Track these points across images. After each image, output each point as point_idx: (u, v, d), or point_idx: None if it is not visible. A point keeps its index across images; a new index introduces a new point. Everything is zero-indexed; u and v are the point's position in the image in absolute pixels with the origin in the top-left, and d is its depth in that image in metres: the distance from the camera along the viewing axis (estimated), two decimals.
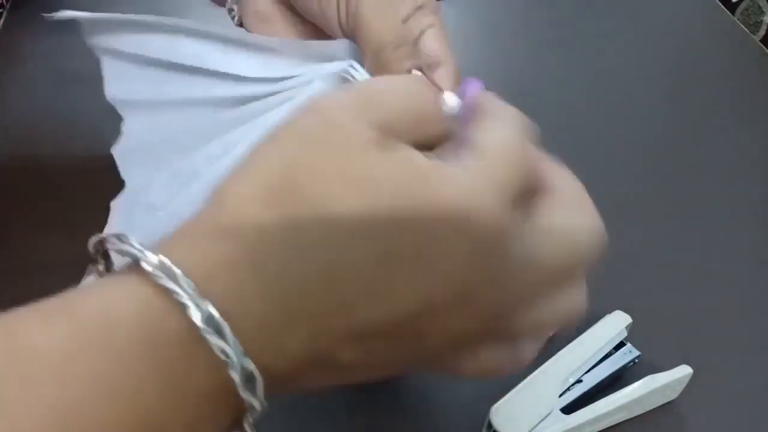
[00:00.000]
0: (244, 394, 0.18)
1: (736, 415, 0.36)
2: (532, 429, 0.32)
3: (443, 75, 0.34)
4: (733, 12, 0.67)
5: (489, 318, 0.22)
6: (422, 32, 0.34)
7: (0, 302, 0.33)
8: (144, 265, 0.18)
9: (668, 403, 0.36)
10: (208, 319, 0.18)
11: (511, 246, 0.21)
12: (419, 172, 0.20)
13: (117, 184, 0.47)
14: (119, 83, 0.40)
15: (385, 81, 0.26)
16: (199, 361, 0.18)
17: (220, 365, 0.18)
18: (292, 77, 0.34)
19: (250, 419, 0.19)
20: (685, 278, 0.43)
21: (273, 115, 0.34)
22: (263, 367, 0.18)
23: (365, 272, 0.19)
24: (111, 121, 0.52)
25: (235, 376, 0.18)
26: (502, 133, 0.23)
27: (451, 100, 0.27)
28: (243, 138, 0.35)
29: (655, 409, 0.36)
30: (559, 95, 0.56)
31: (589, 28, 0.64)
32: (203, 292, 0.18)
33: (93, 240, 0.22)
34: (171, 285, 0.18)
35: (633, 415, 0.35)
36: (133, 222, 0.41)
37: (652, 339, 0.38)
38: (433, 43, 0.34)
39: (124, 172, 0.42)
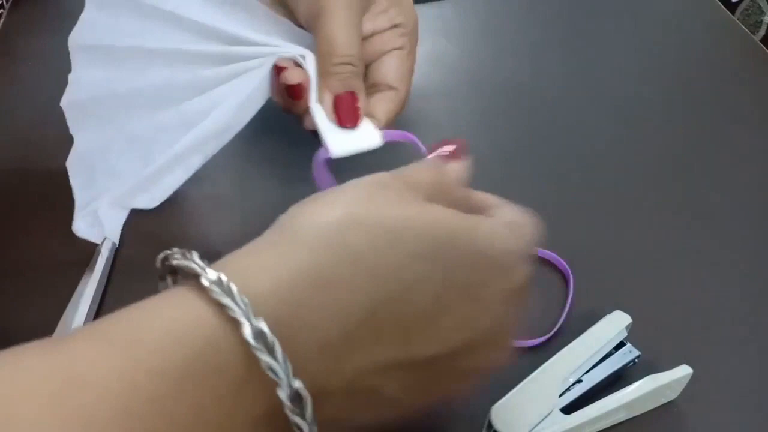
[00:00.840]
0: (292, 416, 0.18)
1: (737, 415, 0.36)
2: (532, 429, 0.32)
3: (386, 99, 0.35)
4: (733, 12, 0.67)
5: (509, 337, 0.25)
6: (387, 52, 0.35)
7: (5, 299, 0.33)
8: (203, 280, 0.19)
9: (668, 402, 0.36)
10: (260, 336, 0.18)
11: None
12: (468, 222, 0.23)
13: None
14: (90, 29, 0.40)
15: (419, 168, 0.27)
16: (252, 382, 0.18)
17: (272, 385, 0.18)
18: (257, 45, 0.34)
19: None
20: (685, 278, 0.43)
21: (226, 89, 0.35)
22: (316, 390, 0.19)
23: (423, 309, 0.21)
24: None
25: (283, 396, 0.18)
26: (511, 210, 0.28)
27: (373, 134, 0.32)
28: (197, 107, 0.36)
29: (655, 409, 0.36)
30: (559, 95, 0.56)
31: (589, 28, 0.64)
32: (257, 310, 0.18)
33: (160, 256, 0.21)
34: (226, 300, 0.18)
35: (633, 415, 0.35)
36: (97, 186, 0.42)
37: (652, 339, 0.38)
38: (392, 65, 0.35)
39: (74, 127, 0.42)
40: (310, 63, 0.34)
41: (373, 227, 0.21)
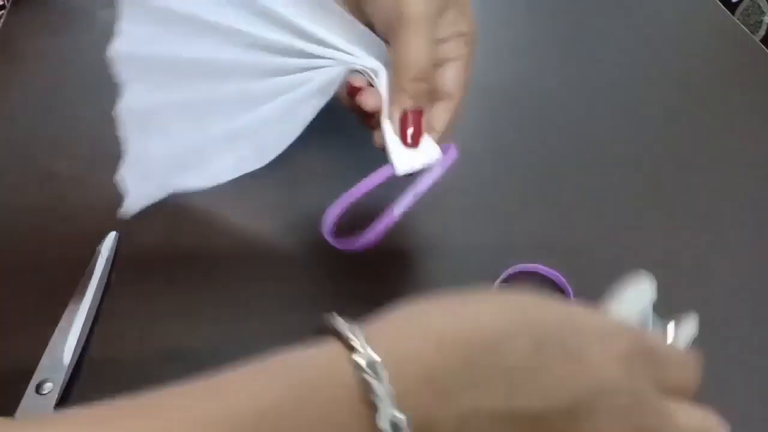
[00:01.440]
0: None
1: (737, 415, 0.36)
2: None
3: (444, 108, 0.35)
4: (733, 12, 0.68)
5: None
6: (449, 60, 0.35)
7: (5, 299, 0.33)
8: (358, 359, 0.20)
9: None
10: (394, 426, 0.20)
11: None
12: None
13: (117, 183, 0.47)
14: (134, 37, 0.39)
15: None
16: None
17: None
18: (333, 48, 0.34)
19: None
20: (683, 278, 0.43)
21: (295, 96, 0.35)
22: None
23: (522, 362, 0.22)
24: (111, 120, 0.52)
25: None
26: None
27: (432, 149, 0.33)
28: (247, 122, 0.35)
29: None
30: (559, 95, 0.56)
31: (589, 28, 0.64)
32: (400, 405, 0.20)
33: (330, 323, 0.23)
34: (375, 383, 0.20)
35: None
36: (150, 142, 0.40)
37: None
38: (451, 75, 0.35)
39: (125, 77, 0.40)
40: (382, 80, 0.34)
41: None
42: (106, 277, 0.40)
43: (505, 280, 0.41)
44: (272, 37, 0.35)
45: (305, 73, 0.35)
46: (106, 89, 0.54)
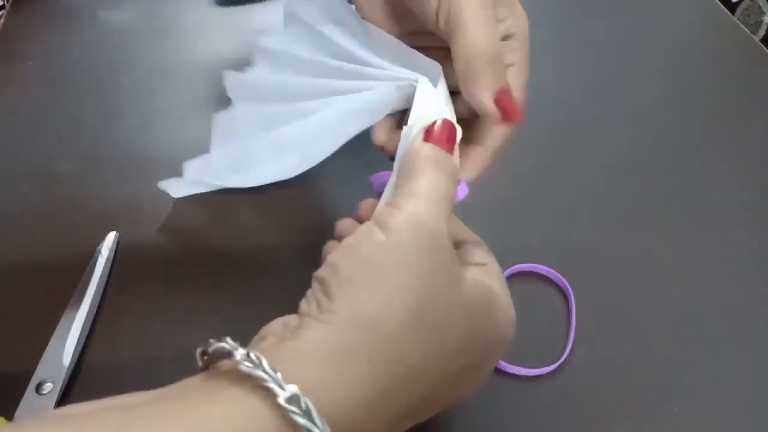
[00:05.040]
0: None
1: (737, 416, 0.36)
2: None
3: (499, 128, 0.32)
4: (733, 12, 0.68)
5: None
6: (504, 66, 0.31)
7: (5, 299, 0.33)
8: (280, 400, 0.20)
9: (668, 405, 0.36)
10: None
11: None
12: (489, 299, 0.26)
13: (117, 183, 0.47)
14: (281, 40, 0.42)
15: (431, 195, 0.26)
16: None
17: None
18: (378, 69, 0.34)
19: None
20: (684, 278, 0.43)
21: (350, 98, 0.35)
22: None
23: (451, 381, 0.25)
24: (111, 120, 0.52)
25: None
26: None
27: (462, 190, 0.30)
28: (317, 108, 0.36)
29: (655, 413, 0.36)
30: (559, 95, 0.56)
31: (588, 28, 0.64)
32: (334, 428, 0.20)
33: (216, 346, 0.22)
34: (305, 422, 0.19)
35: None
36: (194, 185, 0.45)
37: (657, 340, 0.38)
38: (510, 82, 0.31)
39: (215, 137, 0.45)
40: (421, 88, 0.31)
41: (426, 332, 0.23)
42: (106, 277, 0.40)
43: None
44: (334, 65, 0.36)
45: (354, 94, 0.35)
46: (107, 89, 0.55)
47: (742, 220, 0.46)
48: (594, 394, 0.37)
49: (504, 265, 0.42)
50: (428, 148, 0.27)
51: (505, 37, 0.31)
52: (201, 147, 0.44)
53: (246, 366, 0.20)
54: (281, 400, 0.19)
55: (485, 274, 0.27)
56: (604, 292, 0.41)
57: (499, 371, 0.37)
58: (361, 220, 0.29)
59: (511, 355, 0.37)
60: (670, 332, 0.40)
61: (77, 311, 0.38)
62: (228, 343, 0.21)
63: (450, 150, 0.28)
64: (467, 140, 0.31)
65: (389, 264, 0.23)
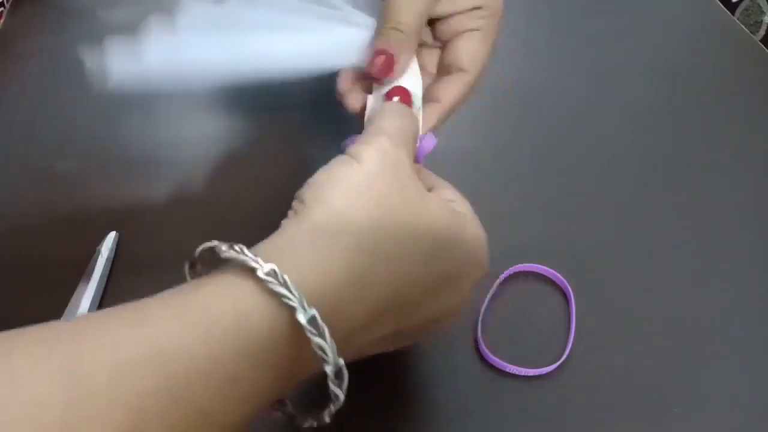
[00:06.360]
0: (334, 387, 0.22)
1: (737, 415, 0.36)
2: None
3: (453, 81, 0.35)
4: (733, 12, 0.67)
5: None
6: (463, 32, 0.35)
7: (5, 299, 0.33)
8: (259, 273, 0.21)
9: (667, 405, 0.36)
10: (312, 321, 0.21)
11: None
12: (459, 220, 0.28)
13: (117, 183, 0.47)
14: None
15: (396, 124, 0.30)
16: (302, 357, 0.22)
17: (319, 363, 0.22)
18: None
19: (332, 409, 0.23)
20: (684, 277, 0.43)
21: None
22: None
23: (420, 297, 0.26)
24: (111, 120, 0.52)
25: (329, 371, 0.22)
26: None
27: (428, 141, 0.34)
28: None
29: (651, 411, 0.36)
30: (559, 95, 0.56)
31: (588, 28, 0.64)
32: (309, 299, 0.21)
33: (203, 246, 0.25)
34: (283, 290, 0.21)
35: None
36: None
37: (658, 340, 0.38)
38: (465, 47, 0.35)
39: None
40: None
41: (396, 230, 0.25)
42: (106, 277, 0.40)
43: (505, 280, 0.41)
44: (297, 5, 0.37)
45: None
46: (106, 89, 0.54)
47: (742, 220, 0.46)
48: (594, 394, 0.37)
49: (504, 265, 0.42)
50: (393, 102, 0.32)
51: (473, 8, 0.35)
52: (201, 147, 0.44)
53: (228, 253, 0.23)
54: (260, 273, 0.21)
55: (453, 201, 0.30)
56: (604, 292, 0.41)
57: (499, 371, 0.37)
58: None
59: (511, 355, 0.37)
60: (670, 332, 0.40)
61: (77, 311, 0.38)
62: (211, 242, 0.24)
63: (389, 68, 0.33)
64: (427, 99, 0.35)
65: (358, 175, 0.26)
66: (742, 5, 0.67)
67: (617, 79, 0.58)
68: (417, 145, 0.32)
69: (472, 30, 0.35)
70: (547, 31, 0.63)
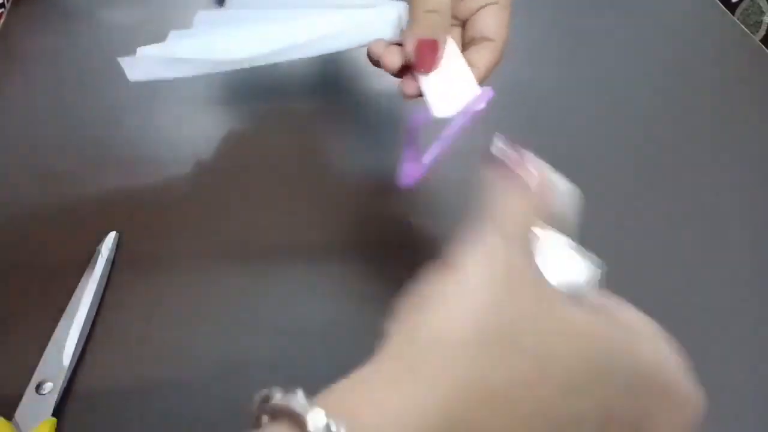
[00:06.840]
0: None
1: (737, 415, 0.36)
2: None
3: (485, 48, 0.37)
4: (733, 12, 0.68)
5: None
6: (483, 6, 0.37)
7: (5, 299, 0.33)
8: (310, 427, 0.17)
9: None
10: None
11: None
12: (615, 332, 0.22)
13: (117, 183, 0.47)
14: None
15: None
16: None
17: None
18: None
19: None
20: (684, 277, 0.43)
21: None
22: None
23: (571, 422, 0.19)
24: (111, 120, 0.52)
25: None
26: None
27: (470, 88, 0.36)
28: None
29: None
30: (559, 95, 0.56)
31: (588, 28, 0.64)
32: None
33: (258, 397, 0.19)
34: None
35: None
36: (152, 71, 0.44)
37: None
38: (488, 19, 0.37)
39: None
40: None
41: (509, 353, 0.18)
42: (106, 277, 0.40)
43: None
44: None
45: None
46: (107, 89, 0.55)
47: (742, 219, 0.46)
48: None
49: None
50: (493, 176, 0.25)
51: None
52: (201, 147, 0.44)
53: (280, 401, 0.18)
54: (311, 428, 0.17)
55: (607, 303, 0.24)
56: (603, 293, 0.41)
57: None
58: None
59: None
60: (669, 332, 0.40)
61: (77, 311, 0.38)
62: (269, 390, 0.19)
63: (434, 59, 0.34)
64: None
65: (453, 291, 0.20)
66: (742, 5, 0.67)
67: (617, 79, 0.58)
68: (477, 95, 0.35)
69: (490, 4, 0.37)
70: (547, 31, 0.63)
